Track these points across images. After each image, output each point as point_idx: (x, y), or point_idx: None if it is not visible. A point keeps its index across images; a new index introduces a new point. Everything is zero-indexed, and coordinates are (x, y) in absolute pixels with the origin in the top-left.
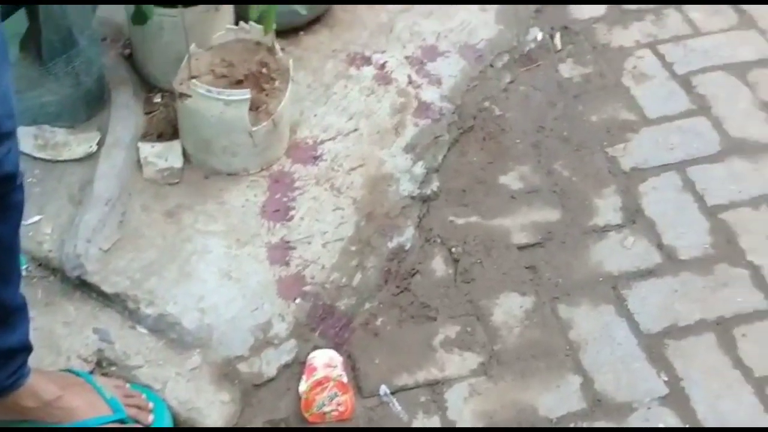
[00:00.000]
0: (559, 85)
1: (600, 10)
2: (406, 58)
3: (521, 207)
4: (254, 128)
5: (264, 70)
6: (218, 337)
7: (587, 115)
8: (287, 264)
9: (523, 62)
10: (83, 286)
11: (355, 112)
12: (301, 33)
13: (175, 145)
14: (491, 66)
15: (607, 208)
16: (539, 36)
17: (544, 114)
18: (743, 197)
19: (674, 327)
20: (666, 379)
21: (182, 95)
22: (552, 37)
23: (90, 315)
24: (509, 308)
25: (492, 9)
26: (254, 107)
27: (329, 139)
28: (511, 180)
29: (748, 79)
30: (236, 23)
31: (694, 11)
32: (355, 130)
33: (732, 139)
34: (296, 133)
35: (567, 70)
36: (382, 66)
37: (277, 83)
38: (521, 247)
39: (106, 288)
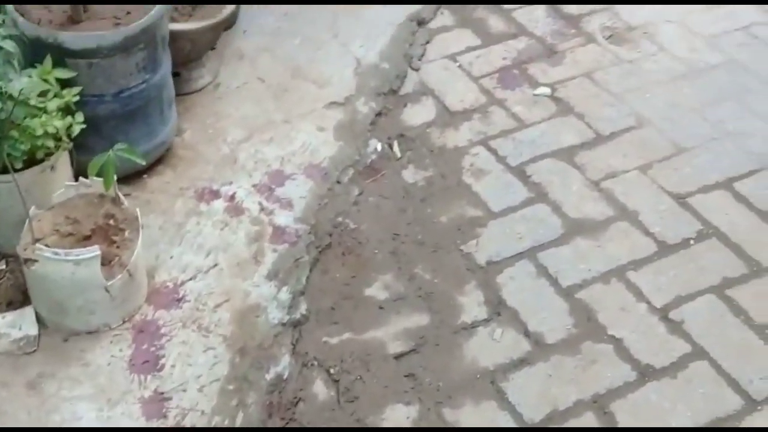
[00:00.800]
0: (406, 190)
1: (430, 114)
2: (254, 186)
3: (391, 316)
4: (109, 283)
5: (111, 222)
6: None
7: (437, 217)
8: (165, 416)
9: (367, 174)
10: None
11: (212, 248)
12: (145, 176)
13: (28, 312)
14: (338, 182)
15: (472, 304)
16: (378, 147)
17: (397, 221)
18: (593, 274)
19: (555, 412)
20: None
21: (28, 261)
22: (390, 146)
23: None
24: (397, 421)
25: (330, 128)
26: (107, 261)
27: (190, 279)
28: (376, 291)
29: (576, 161)
30: (76, 179)
31: (516, 105)
32: (215, 265)
33: (572, 220)
34: (155, 278)
35: (410, 175)
36: (232, 197)
37: (127, 233)
38: (398, 356)
39: None
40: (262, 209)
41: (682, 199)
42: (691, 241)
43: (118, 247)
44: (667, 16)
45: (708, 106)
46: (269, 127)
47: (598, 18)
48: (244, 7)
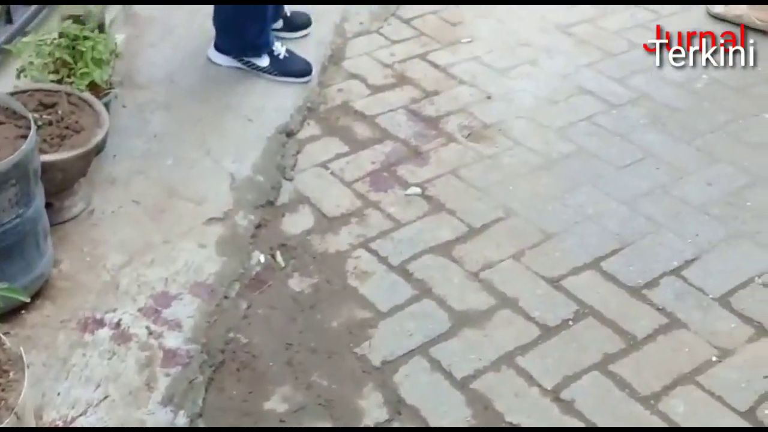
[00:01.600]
0: (294, 299)
1: (309, 222)
2: (140, 310)
3: (293, 428)
4: None
5: None
6: None
7: (328, 322)
8: None
9: (254, 286)
10: None
11: (101, 379)
12: (23, 312)
13: None
14: (226, 297)
15: (372, 406)
16: (262, 258)
17: (288, 331)
18: (484, 363)
19: None
20: None
21: None
22: (273, 256)
23: None
24: None
25: (211, 244)
26: None
27: (80, 415)
28: (275, 404)
29: (454, 255)
30: None
31: (390, 206)
32: (106, 397)
33: (458, 312)
34: (43, 418)
35: (296, 284)
36: (117, 324)
37: (11, 374)
38: None
39: None
40: (150, 333)
41: (555, 282)
42: (570, 322)
43: (3, 389)
44: (517, 112)
45: (567, 193)
46: (149, 249)
47: (455, 118)
48: (112, 132)
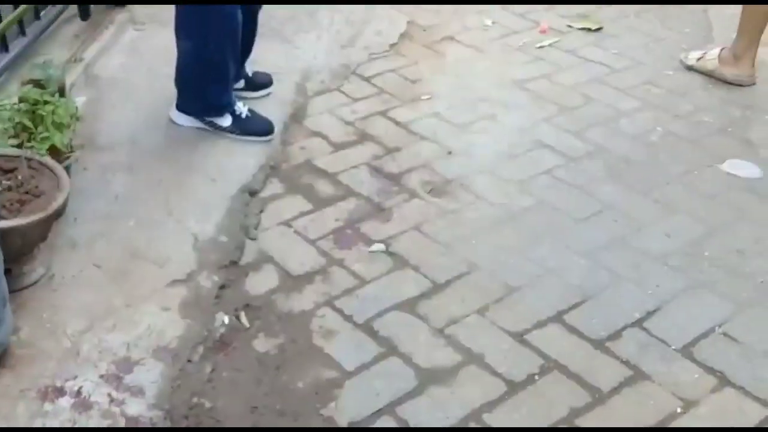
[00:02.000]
0: (259, 361)
1: (273, 281)
2: (102, 377)
3: None
4: None
5: None
6: None
7: (294, 383)
8: None
9: (218, 348)
10: None
11: None
12: None
13: None
14: (189, 361)
15: None
16: (226, 320)
17: (254, 393)
18: (452, 422)
19: None
20: None
21: None
22: (238, 317)
23: None
24: None
25: (174, 306)
26: None
27: None
28: None
29: (419, 312)
30: None
31: (355, 264)
32: None
33: (424, 370)
34: None
35: (261, 345)
36: (78, 392)
37: None
38: None
39: None
40: (112, 400)
41: (520, 336)
42: (536, 377)
43: None
44: (477, 167)
45: (529, 246)
46: (111, 313)
47: (417, 174)
48: (73, 195)
